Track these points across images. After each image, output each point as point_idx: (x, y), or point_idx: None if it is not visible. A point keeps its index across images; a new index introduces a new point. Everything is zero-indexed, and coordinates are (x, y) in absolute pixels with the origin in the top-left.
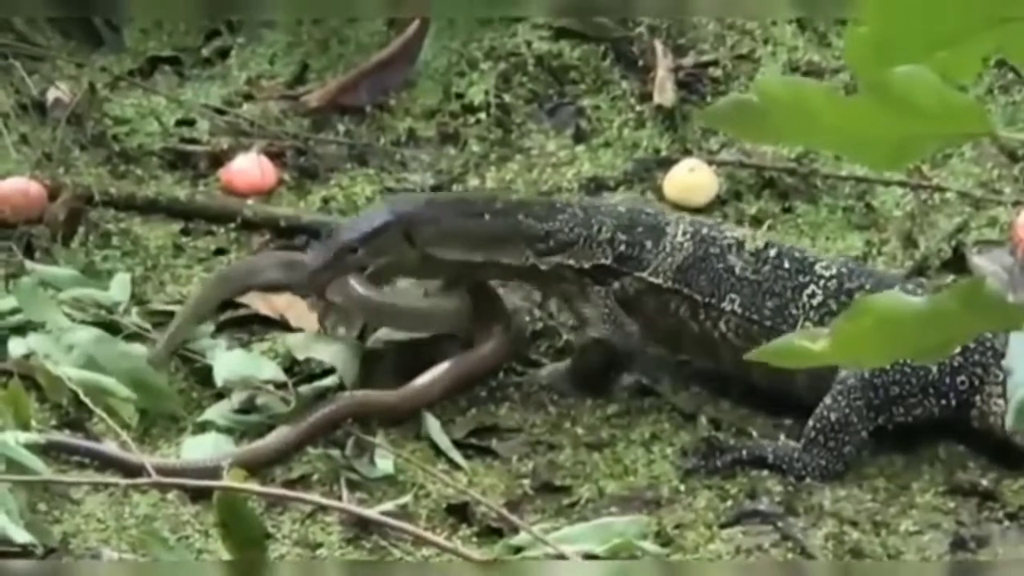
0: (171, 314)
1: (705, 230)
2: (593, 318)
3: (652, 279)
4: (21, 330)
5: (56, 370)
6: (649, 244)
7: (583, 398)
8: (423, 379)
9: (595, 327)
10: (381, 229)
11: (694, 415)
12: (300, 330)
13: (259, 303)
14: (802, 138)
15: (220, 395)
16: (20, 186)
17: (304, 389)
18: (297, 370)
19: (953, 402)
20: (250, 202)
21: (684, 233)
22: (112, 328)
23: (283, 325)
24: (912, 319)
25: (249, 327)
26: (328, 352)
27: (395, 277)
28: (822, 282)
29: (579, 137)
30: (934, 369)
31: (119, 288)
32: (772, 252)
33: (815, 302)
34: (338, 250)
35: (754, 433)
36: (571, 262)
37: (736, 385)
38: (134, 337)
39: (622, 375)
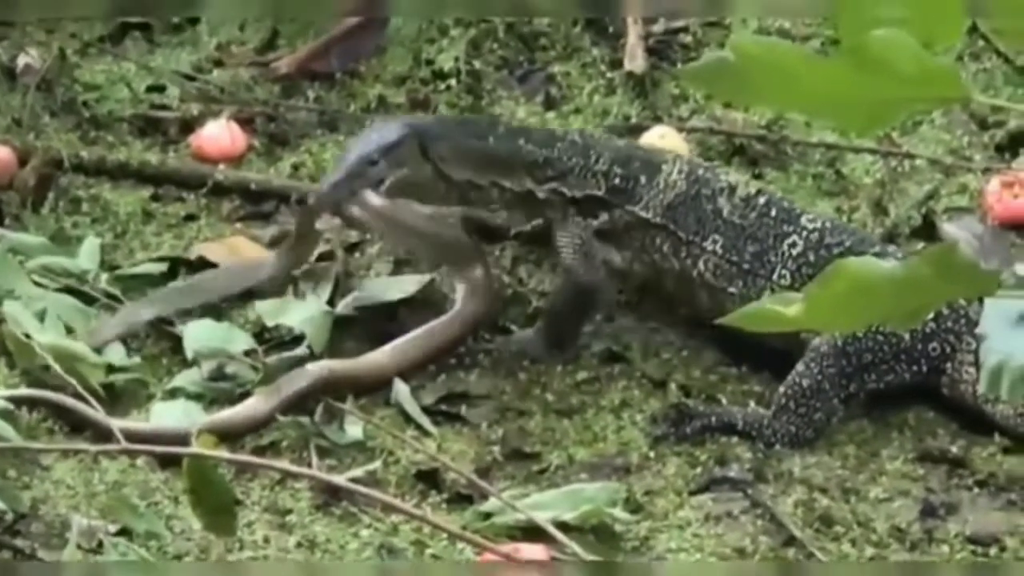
0: (141, 278)
1: (701, 171)
2: (564, 247)
3: (642, 213)
4: None
5: (25, 336)
6: (643, 179)
7: (553, 359)
8: (394, 347)
9: (565, 256)
10: (399, 142)
11: (664, 382)
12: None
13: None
14: (778, 99)
15: (190, 361)
16: None
17: (274, 358)
18: (267, 336)
19: (924, 369)
20: (220, 168)
21: (680, 172)
22: (82, 296)
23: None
24: (885, 285)
25: None
26: (297, 319)
27: (406, 194)
28: (804, 233)
29: (549, 104)
30: (906, 336)
31: (88, 255)
32: (761, 200)
33: (795, 252)
34: (358, 161)
35: (724, 400)
36: (564, 189)
37: (707, 341)
38: (102, 305)
39: (590, 320)
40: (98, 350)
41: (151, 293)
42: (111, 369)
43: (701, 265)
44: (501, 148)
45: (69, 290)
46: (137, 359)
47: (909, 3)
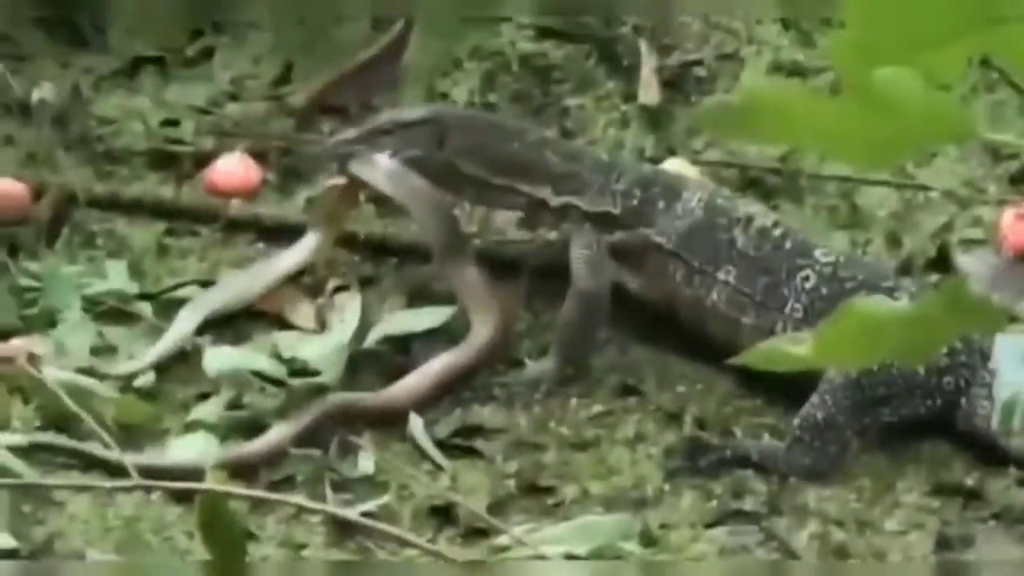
0: (177, 302)
1: (720, 200)
2: (575, 258)
3: (656, 238)
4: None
5: (39, 373)
6: (662, 204)
7: (567, 378)
8: (409, 381)
9: (574, 265)
10: (418, 121)
11: (678, 415)
12: (295, 327)
13: (260, 299)
14: (787, 139)
15: (205, 395)
16: (4, 187)
17: (295, 383)
18: (290, 368)
19: (939, 402)
20: (234, 202)
21: (699, 200)
22: (125, 316)
23: (280, 323)
24: (895, 322)
25: (239, 326)
26: (313, 353)
27: (415, 174)
28: (818, 267)
29: (564, 136)
30: (921, 370)
31: (119, 278)
32: (777, 232)
33: (808, 285)
34: (373, 127)
35: (738, 432)
36: (579, 203)
37: (722, 373)
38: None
39: (598, 330)
40: (131, 376)
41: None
42: (126, 404)
43: (714, 295)
44: (526, 154)
45: (110, 313)
46: (152, 385)
47: (912, 41)
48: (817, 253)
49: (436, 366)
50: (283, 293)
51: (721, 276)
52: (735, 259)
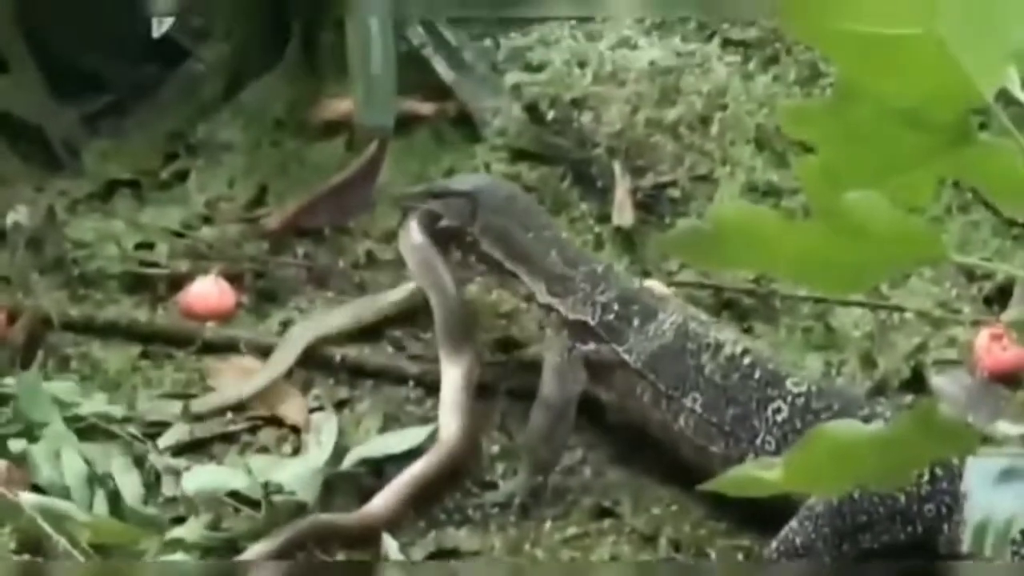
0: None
1: (693, 324)
2: (546, 365)
3: (625, 356)
4: None
5: (13, 496)
6: (636, 322)
7: (539, 493)
8: (380, 498)
9: (544, 373)
10: (458, 194)
11: (654, 537)
12: (296, 429)
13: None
14: (757, 264)
15: (181, 519)
16: None
17: (272, 503)
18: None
19: (920, 529)
20: (209, 325)
21: (672, 323)
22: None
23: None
24: (866, 447)
25: (213, 450)
26: (289, 475)
27: (448, 245)
28: (789, 398)
29: None
30: (902, 497)
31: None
32: (746, 360)
33: (779, 418)
34: (425, 190)
35: (713, 555)
36: (561, 308)
37: (697, 495)
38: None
39: (565, 436)
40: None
41: None
42: (102, 526)
43: (682, 421)
44: (534, 247)
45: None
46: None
47: (882, 165)
48: (788, 383)
49: (405, 478)
50: (276, 389)
51: (688, 403)
52: (702, 386)
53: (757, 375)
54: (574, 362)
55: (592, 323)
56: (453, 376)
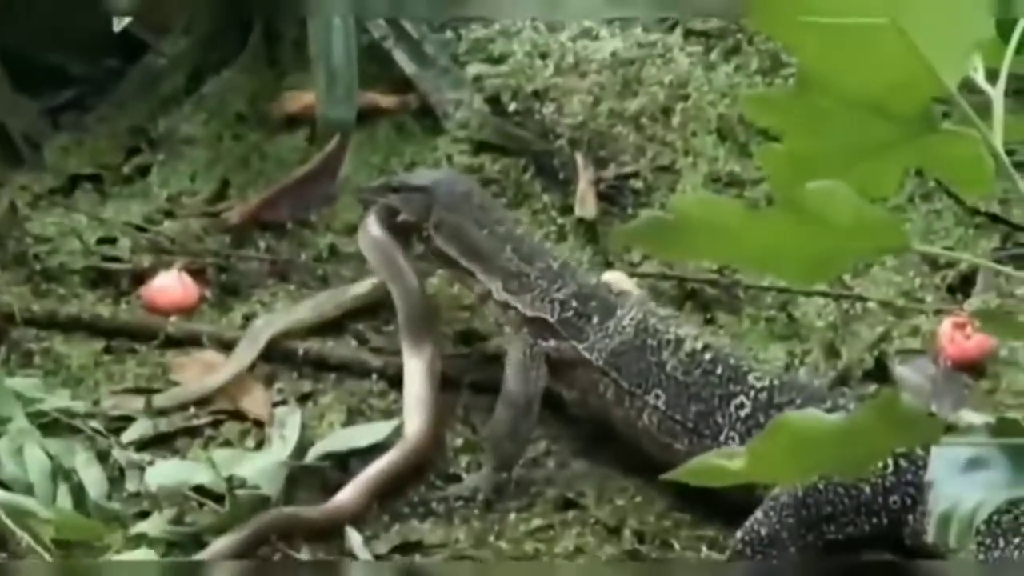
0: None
1: (653, 320)
2: (507, 363)
3: (585, 353)
4: None
5: None
6: (596, 319)
7: (502, 486)
8: (345, 492)
9: (506, 371)
10: (415, 188)
11: (618, 528)
12: (259, 423)
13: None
14: (719, 255)
15: (145, 514)
16: None
17: (236, 498)
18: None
19: (885, 521)
20: (172, 319)
21: (632, 320)
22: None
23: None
24: (828, 437)
25: (176, 444)
26: (253, 469)
27: (408, 238)
28: (752, 393)
29: None
30: (867, 488)
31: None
32: (707, 356)
33: (743, 413)
34: (384, 184)
35: (676, 546)
36: (519, 305)
37: (661, 487)
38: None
39: (527, 434)
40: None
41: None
42: (64, 524)
43: (646, 418)
44: (489, 244)
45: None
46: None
47: (845, 154)
48: (751, 379)
49: (370, 472)
50: (240, 383)
51: (651, 400)
52: (664, 383)
53: (719, 371)
54: (536, 359)
55: (551, 320)
56: (416, 369)
